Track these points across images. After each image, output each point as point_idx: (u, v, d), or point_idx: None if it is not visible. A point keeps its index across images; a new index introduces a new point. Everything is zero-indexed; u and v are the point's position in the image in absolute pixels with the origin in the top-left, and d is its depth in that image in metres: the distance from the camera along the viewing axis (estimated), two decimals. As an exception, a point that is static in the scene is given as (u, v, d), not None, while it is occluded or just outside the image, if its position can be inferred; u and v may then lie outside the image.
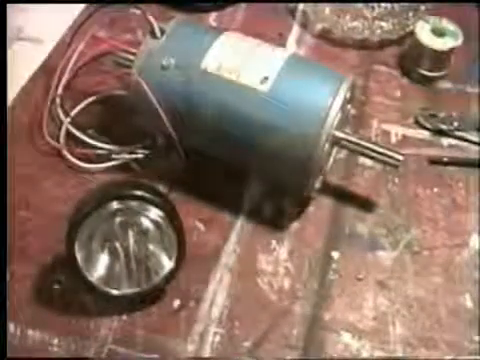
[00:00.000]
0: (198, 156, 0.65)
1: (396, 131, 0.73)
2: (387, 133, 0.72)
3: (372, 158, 0.63)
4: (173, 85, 0.61)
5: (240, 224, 0.64)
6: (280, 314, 0.58)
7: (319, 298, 0.59)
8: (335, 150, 0.67)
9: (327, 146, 0.59)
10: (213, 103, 0.60)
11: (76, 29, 0.71)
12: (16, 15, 0.78)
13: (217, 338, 0.57)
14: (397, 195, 0.67)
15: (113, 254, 0.57)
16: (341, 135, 0.62)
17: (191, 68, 0.61)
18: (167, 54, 0.61)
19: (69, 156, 0.67)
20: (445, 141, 0.72)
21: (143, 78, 0.61)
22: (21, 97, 0.73)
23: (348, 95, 0.61)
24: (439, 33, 0.76)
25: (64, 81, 0.72)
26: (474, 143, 0.72)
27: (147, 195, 0.54)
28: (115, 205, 0.55)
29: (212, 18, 0.83)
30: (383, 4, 0.82)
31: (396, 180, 0.68)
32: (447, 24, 0.77)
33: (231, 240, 0.63)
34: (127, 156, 0.67)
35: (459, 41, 0.75)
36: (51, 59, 0.76)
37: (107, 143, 0.67)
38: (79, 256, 0.55)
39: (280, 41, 0.80)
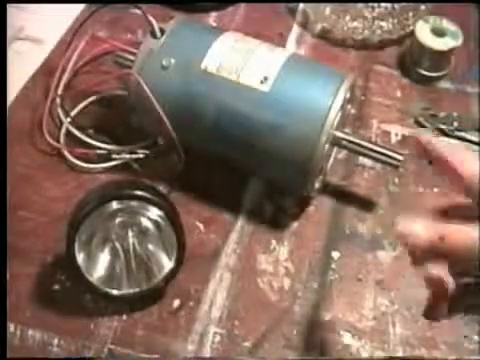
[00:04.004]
0: (198, 156, 0.65)
1: (396, 131, 0.73)
2: (387, 133, 0.72)
3: (372, 158, 0.63)
4: (173, 85, 0.61)
5: (240, 224, 0.64)
6: (280, 314, 0.58)
7: (319, 298, 0.59)
8: (335, 150, 0.67)
9: (327, 146, 0.59)
10: (213, 103, 0.61)
11: (76, 29, 0.71)
12: (16, 15, 0.78)
13: (217, 338, 0.57)
14: (397, 195, 0.67)
15: (113, 254, 0.57)
16: (341, 135, 0.62)
17: (191, 68, 0.61)
18: (167, 54, 0.61)
19: (69, 156, 0.67)
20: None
21: (143, 78, 0.61)
22: (21, 97, 0.72)
23: (348, 95, 0.61)
24: (439, 33, 0.76)
25: (64, 81, 0.72)
26: (474, 143, 0.72)
27: (147, 195, 0.54)
28: (115, 205, 0.55)
29: (212, 18, 0.83)
30: (383, 4, 0.82)
31: (396, 180, 0.68)
32: (447, 24, 0.77)
33: (231, 240, 0.63)
34: (127, 156, 0.67)
35: (459, 41, 0.75)
36: (51, 59, 0.76)
37: (107, 143, 0.67)
38: (79, 256, 0.55)
39: (280, 41, 0.80)
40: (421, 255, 0.41)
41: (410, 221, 0.41)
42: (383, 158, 0.62)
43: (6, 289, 0.56)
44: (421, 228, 0.41)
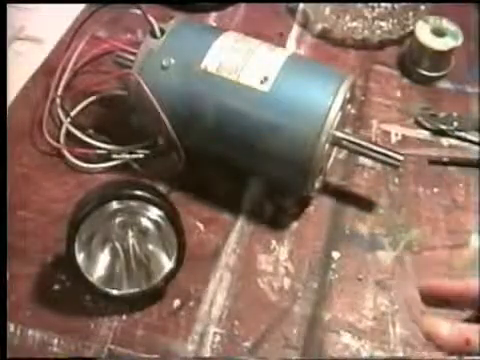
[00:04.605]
0: (198, 156, 0.65)
1: (396, 131, 0.73)
2: (387, 133, 0.72)
3: (372, 158, 0.63)
4: (173, 85, 0.61)
5: (240, 224, 0.64)
6: (280, 314, 0.58)
7: (319, 298, 0.59)
8: (335, 150, 0.67)
9: (327, 146, 0.59)
10: (213, 103, 0.61)
11: (76, 29, 0.71)
12: (16, 15, 0.78)
13: (217, 338, 0.57)
14: (397, 195, 0.67)
15: (113, 254, 0.57)
16: (341, 135, 0.62)
17: (191, 68, 0.61)
18: (167, 54, 0.61)
19: (69, 156, 0.67)
20: (445, 141, 0.72)
21: (143, 78, 0.61)
22: (21, 97, 0.72)
23: (348, 95, 0.61)
24: (439, 33, 0.76)
25: (64, 81, 0.72)
26: (474, 143, 0.72)
27: (147, 195, 0.54)
28: (115, 205, 0.55)
29: (212, 18, 0.83)
30: (383, 4, 0.82)
31: (396, 180, 0.68)
32: (447, 24, 0.77)
33: (231, 240, 0.63)
34: (127, 156, 0.67)
35: (459, 41, 0.75)
36: (51, 59, 0.76)
37: (107, 143, 0.67)
38: (79, 256, 0.55)
39: (280, 41, 0.80)
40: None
41: (436, 322, 0.42)
42: (383, 158, 0.62)
43: (6, 289, 0.56)
44: (447, 331, 0.42)
